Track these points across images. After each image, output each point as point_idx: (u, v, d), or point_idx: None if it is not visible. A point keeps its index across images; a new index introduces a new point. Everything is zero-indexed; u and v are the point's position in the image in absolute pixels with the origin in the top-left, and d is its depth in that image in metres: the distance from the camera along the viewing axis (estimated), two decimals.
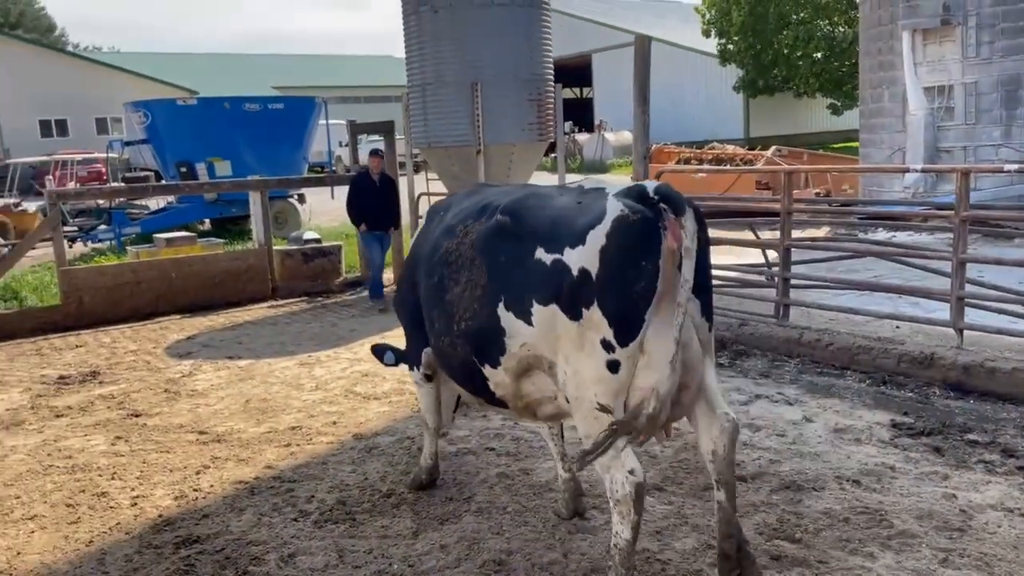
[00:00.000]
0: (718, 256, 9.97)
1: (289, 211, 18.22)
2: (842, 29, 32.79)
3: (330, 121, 20.97)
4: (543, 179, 14.92)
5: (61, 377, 7.91)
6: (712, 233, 9.28)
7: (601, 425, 3.24)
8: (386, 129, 12.43)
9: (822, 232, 13.02)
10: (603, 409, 3.27)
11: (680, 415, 3.55)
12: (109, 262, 13.79)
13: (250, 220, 18.36)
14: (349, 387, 7.19)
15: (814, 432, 5.60)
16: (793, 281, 8.02)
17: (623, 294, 3.22)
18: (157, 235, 13.74)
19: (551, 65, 11.90)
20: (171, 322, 10.26)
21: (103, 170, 26.91)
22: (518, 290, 3.50)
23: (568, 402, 3.47)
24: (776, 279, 8.14)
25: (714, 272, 8.72)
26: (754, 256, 10.72)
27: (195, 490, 5.06)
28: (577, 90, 53.00)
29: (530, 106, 11.33)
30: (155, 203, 19.51)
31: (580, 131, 41.26)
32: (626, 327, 3.23)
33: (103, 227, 17.27)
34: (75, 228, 17.74)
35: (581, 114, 47.61)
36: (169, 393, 7.28)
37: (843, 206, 12.03)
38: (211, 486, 5.12)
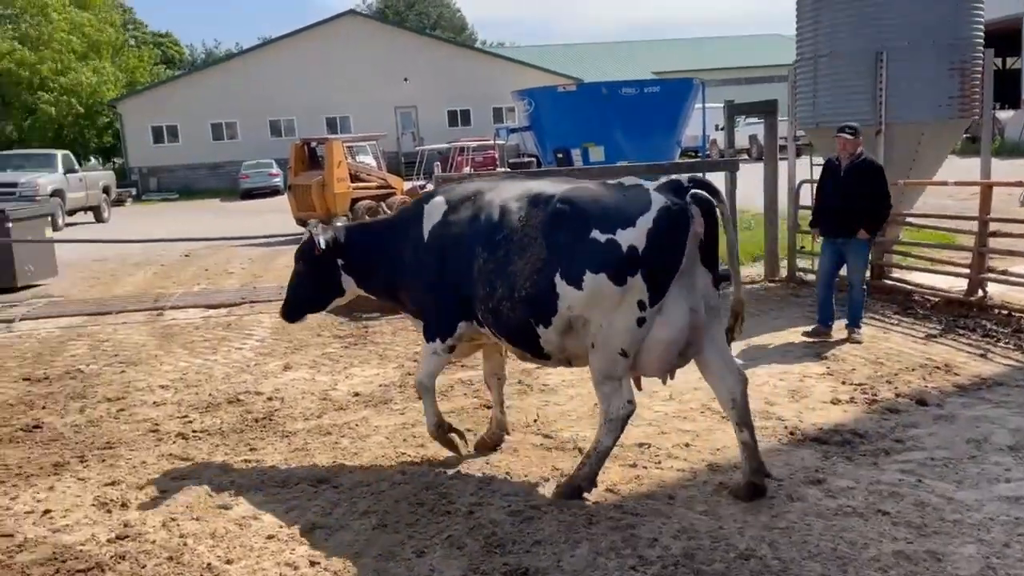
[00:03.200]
0: None
1: None
2: None
3: (707, 104, 19.99)
4: (954, 164, 12.51)
5: None
6: None
7: (617, 365, 4.36)
8: (767, 109, 11.23)
9: None
10: (623, 354, 4.32)
11: (682, 364, 4.52)
12: None
13: None
14: (707, 401, 6.30)
15: None
16: None
17: (660, 266, 4.20)
18: None
19: (981, 26, 9.75)
20: None
21: (496, 156, 28.98)
22: (573, 262, 4.34)
23: (592, 347, 4.40)
24: None
25: None
26: None
27: (531, 507, 4.63)
28: (999, 60, 45.41)
29: (951, 77, 9.38)
30: None
31: (1003, 107, 35.17)
32: (657, 291, 4.22)
33: None
34: None
35: (1004, 88, 40.66)
36: (522, 385, 7.09)
37: None
38: (549, 504, 4.66)
